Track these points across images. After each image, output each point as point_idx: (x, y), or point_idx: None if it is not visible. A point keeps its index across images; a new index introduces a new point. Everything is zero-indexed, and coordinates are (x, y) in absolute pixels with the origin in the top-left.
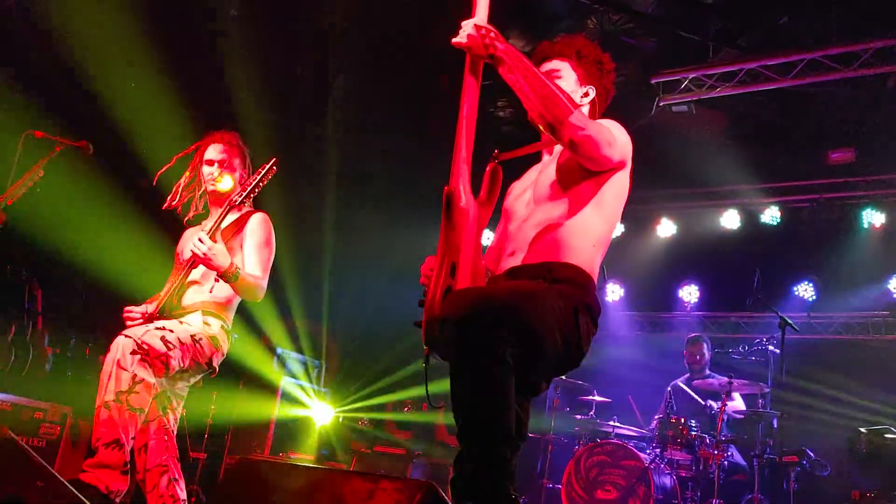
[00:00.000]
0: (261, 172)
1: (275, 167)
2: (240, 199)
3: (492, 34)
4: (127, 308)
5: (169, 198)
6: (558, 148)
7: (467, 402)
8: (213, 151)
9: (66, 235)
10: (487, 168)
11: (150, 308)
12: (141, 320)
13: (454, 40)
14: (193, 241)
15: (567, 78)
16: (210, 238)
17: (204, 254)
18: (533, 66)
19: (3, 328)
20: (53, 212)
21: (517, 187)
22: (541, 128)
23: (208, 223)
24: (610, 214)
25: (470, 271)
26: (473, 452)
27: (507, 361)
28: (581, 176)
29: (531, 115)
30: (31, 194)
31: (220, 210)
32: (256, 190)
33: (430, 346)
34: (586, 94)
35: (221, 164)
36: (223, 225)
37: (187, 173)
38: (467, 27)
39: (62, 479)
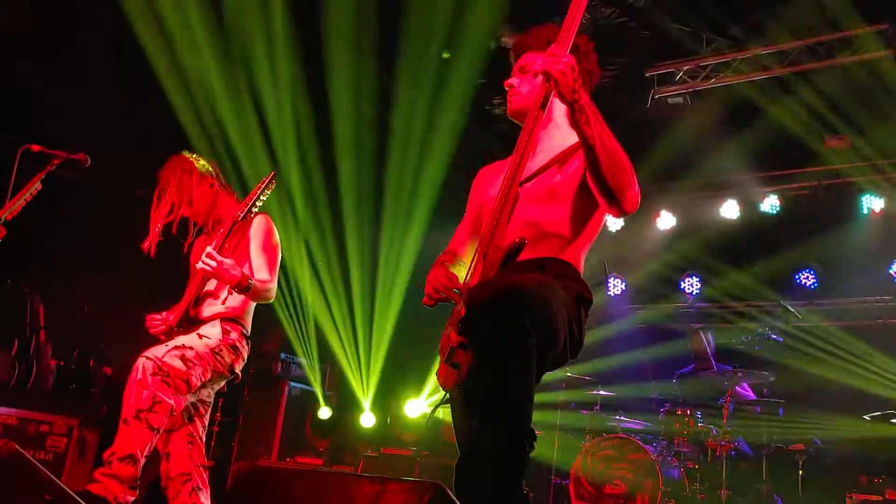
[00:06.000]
0: (261, 187)
1: (273, 181)
2: (242, 215)
3: (579, 80)
4: (149, 316)
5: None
6: (554, 144)
7: (494, 389)
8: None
9: (67, 248)
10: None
11: (171, 316)
12: (163, 327)
13: (542, 64)
14: (202, 257)
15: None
16: (218, 252)
17: (213, 269)
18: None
19: (6, 343)
20: (53, 225)
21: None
22: (599, 191)
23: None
24: (598, 225)
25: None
26: (492, 444)
27: (532, 350)
28: (582, 190)
29: (591, 171)
30: (30, 208)
31: (225, 226)
32: (258, 204)
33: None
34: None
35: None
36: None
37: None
38: (564, 61)
39: (71, 492)
